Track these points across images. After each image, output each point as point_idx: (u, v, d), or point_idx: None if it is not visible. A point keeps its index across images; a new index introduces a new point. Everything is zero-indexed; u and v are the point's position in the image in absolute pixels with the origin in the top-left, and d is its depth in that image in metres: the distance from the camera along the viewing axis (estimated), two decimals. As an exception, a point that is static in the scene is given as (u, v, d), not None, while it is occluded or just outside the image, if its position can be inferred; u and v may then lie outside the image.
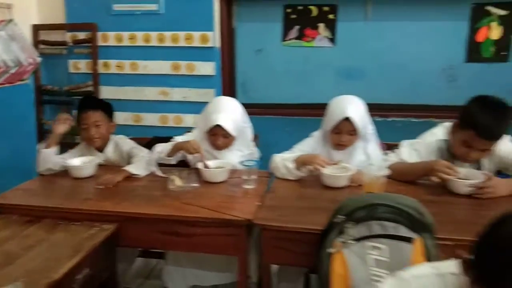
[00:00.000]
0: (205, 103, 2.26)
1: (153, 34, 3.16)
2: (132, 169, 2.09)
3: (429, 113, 3.01)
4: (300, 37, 3.19)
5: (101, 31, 3.23)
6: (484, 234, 0.88)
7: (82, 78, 3.32)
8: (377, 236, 1.31)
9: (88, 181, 2.08)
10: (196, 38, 3.11)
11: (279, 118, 3.24)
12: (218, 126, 2.09)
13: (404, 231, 1.31)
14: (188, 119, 3.23)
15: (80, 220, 1.75)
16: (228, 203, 1.80)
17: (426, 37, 3.03)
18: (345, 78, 3.18)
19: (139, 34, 3.18)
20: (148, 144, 2.32)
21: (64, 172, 2.15)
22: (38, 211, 1.80)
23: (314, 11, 3.13)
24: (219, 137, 2.15)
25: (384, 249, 1.29)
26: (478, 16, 2.94)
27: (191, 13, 3.09)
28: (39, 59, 3.15)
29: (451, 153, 1.91)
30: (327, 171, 1.91)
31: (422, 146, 1.98)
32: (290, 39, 3.21)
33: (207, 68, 3.14)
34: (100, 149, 2.31)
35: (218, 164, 2.10)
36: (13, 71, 2.93)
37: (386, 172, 1.83)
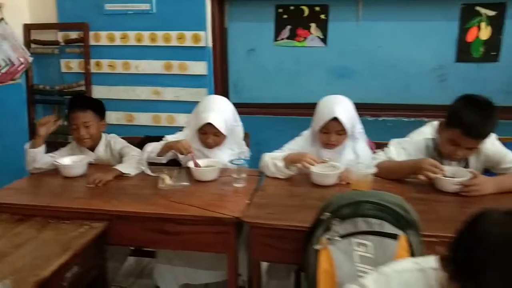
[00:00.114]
0: (197, 102, 2.27)
1: (145, 34, 3.16)
2: (122, 168, 2.09)
3: (420, 113, 3.03)
4: (292, 37, 3.20)
5: (93, 31, 3.22)
6: (460, 231, 0.90)
7: (74, 77, 3.31)
8: (362, 233, 1.32)
9: (78, 180, 2.08)
10: (188, 38, 3.11)
11: (271, 118, 3.25)
12: (209, 124, 2.10)
13: (389, 228, 1.32)
14: (180, 119, 3.23)
15: (70, 218, 1.75)
16: (218, 201, 1.81)
17: (416, 37, 3.05)
18: (336, 77, 3.20)
19: (131, 34, 3.19)
20: (140, 143, 2.32)
21: (55, 171, 2.15)
22: (28, 210, 1.81)
23: (306, 11, 3.14)
24: (209, 135, 2.15)
25: (369, 245, 1.31)
26: (468, 17, 2.97)
27: (183, 13, 3.09)
28: (30, 59, 3.15)
29: (438, 151, 1.93)
30: (315, 169, 1.93)
31: (410, 145, 2.00)
32: (282, 39, 3.22)
33: (199, 67, 3.15)
34: (92, 148, 2.31)
35: (209, 163, 2.11)
36: (4, 70, 2.94)
37: (374, 170, 1.84)
